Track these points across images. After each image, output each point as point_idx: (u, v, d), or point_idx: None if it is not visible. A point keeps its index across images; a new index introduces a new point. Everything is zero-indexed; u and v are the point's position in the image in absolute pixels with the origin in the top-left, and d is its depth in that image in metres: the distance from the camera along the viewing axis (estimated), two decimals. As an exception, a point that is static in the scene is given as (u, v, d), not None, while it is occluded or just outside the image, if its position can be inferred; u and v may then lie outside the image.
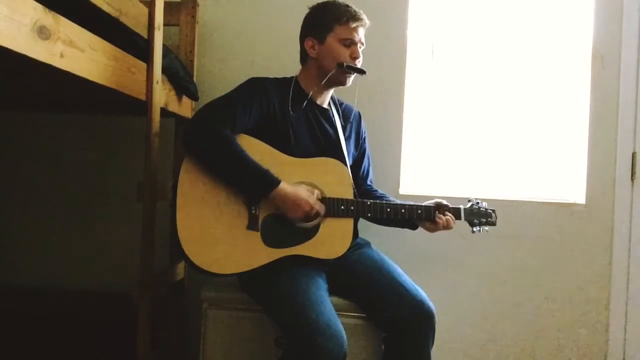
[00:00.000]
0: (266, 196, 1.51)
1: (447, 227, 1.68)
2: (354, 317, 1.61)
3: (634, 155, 2.08)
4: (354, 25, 1.66)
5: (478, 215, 1.74)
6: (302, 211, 1.53)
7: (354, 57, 1.68)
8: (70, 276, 2.30)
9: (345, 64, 1.65)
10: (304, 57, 1.75)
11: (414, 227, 1.76)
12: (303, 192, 1.55)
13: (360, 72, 1.69)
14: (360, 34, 1.69)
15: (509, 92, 2.24)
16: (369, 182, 1.90)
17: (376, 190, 1.86)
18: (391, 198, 1.81)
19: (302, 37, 1.74)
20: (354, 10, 1.67)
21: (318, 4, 1.74)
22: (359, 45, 1.69)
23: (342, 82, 1.71)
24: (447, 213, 1.68)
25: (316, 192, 1.59)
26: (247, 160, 1.50)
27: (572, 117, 2.19)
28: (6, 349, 2.11)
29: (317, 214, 1.57)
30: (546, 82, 2.22)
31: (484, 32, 2.25)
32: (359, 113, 1.90)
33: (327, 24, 1.67)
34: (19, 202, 2.36)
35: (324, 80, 1.69)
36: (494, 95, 2.25)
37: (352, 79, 1.72)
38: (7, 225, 2.36)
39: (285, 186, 1.52)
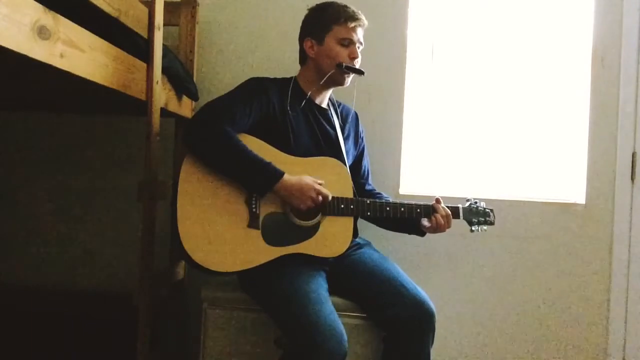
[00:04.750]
0: (271, 189, 1.51)
1: (444, 225, 1.68)
2: (354, 317, 1.61)
3: (634, 155, 2.08)
4: (352, 25, 1.66)
5: (476, 215, 1.75)
6: (310, 197, 1.53)
7: (352, 57, 1.68)
8: (70, 276, 2.30)
9: (344, 65, 1.66)
10: (303, 57, 1.75)
11: (421, 233, 1.76)
12: (307, 178, 1.55)
13: (359, 72, 1.69)
14: (359, 34, 1.69)
15: (509, 92, 2.24)
16: (369, 183, 1.90)
17: (379, 193, 1.86)
18: (391, 200, 1.81)
19: (301, 38, 1.74)
20: (352, 10, 1.68)
21: (317, 5, 1.74)
22: (357, 45, 1.69)
23: (341, 83, 1.72)
24: (442, 209, 1.68)
25: (321, 180, 1.59)
26: (249, 154, 1.51)
27: (572, 117, 2.19)
28: (6, 349, 2.12)
29: (325, 199, 1.56)
30: (546, 83, 2.22)
31: (484, 32, 2.25)
32: (356, 114, 1.91)
33: (326, 24, 1.68)
34: (19, 202, 2.36)
35: (323, 81, 1.69)
36: (494, 96, 2.25)
37: (350, 79, 1.72)
38: (7, 225, 2.36)
39: (289, 177, 1.52)
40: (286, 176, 1.52)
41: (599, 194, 2.10)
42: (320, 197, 1.55)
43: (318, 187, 1.55)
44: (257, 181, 1.52)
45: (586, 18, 2.15)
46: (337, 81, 1.71)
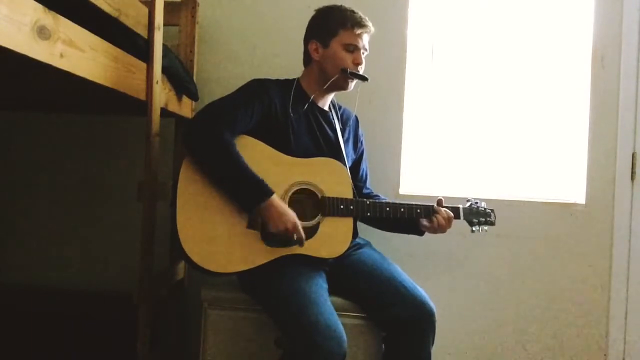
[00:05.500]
0: (257, 206, 1.49)
1: (444, 226, 1.68)
2: (354, 317, 1.61)
3: (634, 155, 2.08)
4: (358, 31, 1.66)
5: (477, 215, 1.75)
6: (284, 226, 1.49)
7: (357, 63, 1.68)
8: (71, 276, 2.30)
9: (348, 70, 1.66)
10: (307, 59, 1.75)
11: (419, 232, 1.75)
12: (293, 213, 1.52)
13: (363, 79, 1.69)
14: (365, 40, 1.69)
15: (509, 93, 2.24)
16: (367, 186, 1.90)
17: (377, 196, 1.86)
18: (391, 202, 1.80)
19: (307, 40, 1.74)
20: (360, 17, 1.67)
21: (324, 8, 1.74)
22: (362, 51, 1.69)
23: (344, 87, 1.72)
24: (444, 212, 1.68)
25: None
26: (243, 168, 1.49)
27: (572, 117, 2.19)
28: (6, 349, 2.12)
29: (299, 239, 1.52)
30: (546, 82, 2.22)
31: (484, 32, 2.25)
32: (357, 117, 1.91)
33: (332, 28, 1.67)
34: (19, 202, 2.36)
35: (327, 85, 1.69)
36: (494, 96, 2.25)
37: (353, 84, 1.72)
38: (7, 225, 2.36)
39: (277, 198, 1.51)
40: (275, 197, 1.50)
41: (599, 194, 2.10)
42: (294, 234, 1.51)
43: (299, 225, 1.51)
44: (245, 196, 1.51)
45: (586, 18, 2.15)
46: (340, 86, 1.71)
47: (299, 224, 1.53)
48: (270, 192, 1.50)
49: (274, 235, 1.52)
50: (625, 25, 2.08)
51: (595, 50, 2.11)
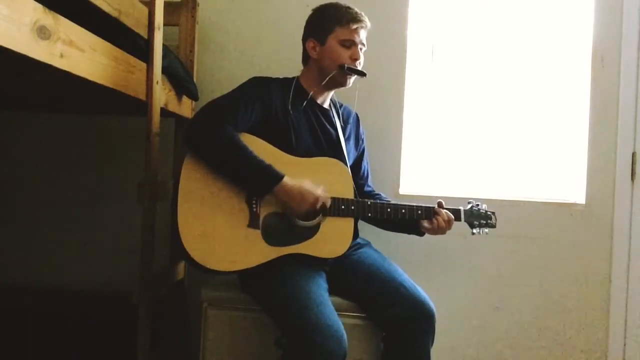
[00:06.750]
0: (270, 191, 1.51)
1: (445, 228, 1.68)
2: (354, 317, 1.61)
3: (634, 155, 2.08)
4: (354, 26, 1.66)
5: (478, 217, 1.74)
6: (308, 203, 1.52)
7: (354, 59, 1.68)
8: (70, 276, 2.30)
9: (346, 66, 1.66)
10: (306, 57, 1.76)
11: (420, 233, 1.75)
12: (308, 185, 1.54)
13: (361, 74, 1.69)
14: (361, 35, 1.69)
15: (509, 92, 2.24)
16: (369, 184, 1.90)
17: (378, 194, 1.86)
18: (392, 201, 1.81)
19: (305, 39, 1.75)
20: (355, 12, 1.68)
21: (320, 6, 1.74)
22: (359, 46, 1.69)
23: (343, 84, 1.72)
24: (445, 214, 1.68)
25: (322, 186, 1.59)
26: (250, 155, 1.50)
27: (572, 117, 2.19)
28: (6, 349, 2.12)
29: (324, 206, 1.56)
30: (546, 82, 2.22)
31: (484, 32, 2.25)
32: (357, 115, 1.91)
33: (328, 25, 1.68)
34: (19, 202, 2.35)
35: (325, 81, 1.69)
36: (494, 96, 2.25)
37: (352, 80, 1.72)
38: (7, 225, 2.36)
39: (288, 180, 1.51)
40: (286, 179, 1.51)
41: (599, 194, 2.10)
42: (319, 204, 1.55)
43: (318, 193, 1.54)
44: (256, 183, 1.52)
45: (586, 18, 2.15)
46: (339, 82, 1.71)
47: (320, 191, 1.54)
48: (280, 176, 1.50)
49: (300, 215, 1.54)
50: (625, 25, 2.09)
51: (595, 50, 2.11)
